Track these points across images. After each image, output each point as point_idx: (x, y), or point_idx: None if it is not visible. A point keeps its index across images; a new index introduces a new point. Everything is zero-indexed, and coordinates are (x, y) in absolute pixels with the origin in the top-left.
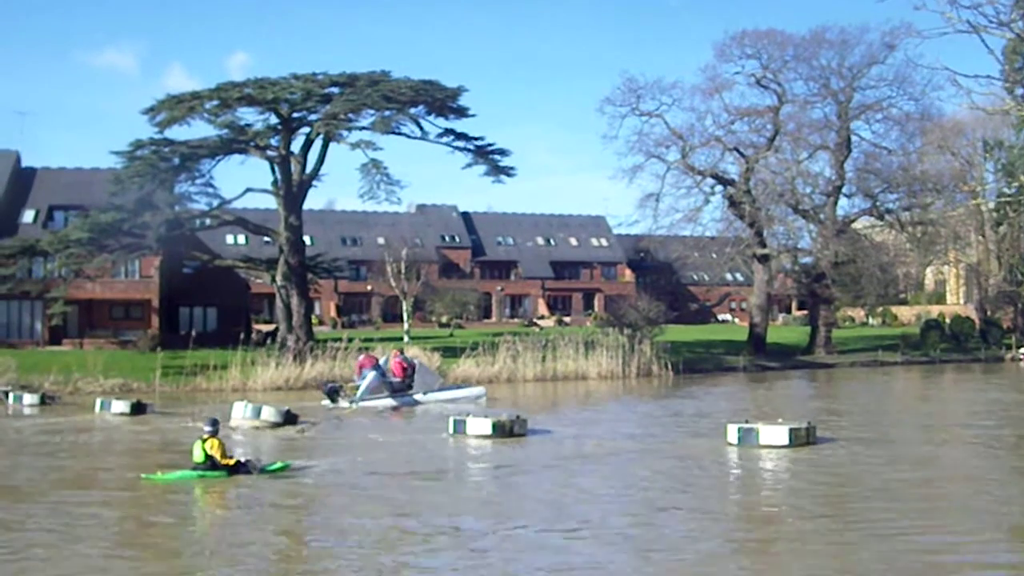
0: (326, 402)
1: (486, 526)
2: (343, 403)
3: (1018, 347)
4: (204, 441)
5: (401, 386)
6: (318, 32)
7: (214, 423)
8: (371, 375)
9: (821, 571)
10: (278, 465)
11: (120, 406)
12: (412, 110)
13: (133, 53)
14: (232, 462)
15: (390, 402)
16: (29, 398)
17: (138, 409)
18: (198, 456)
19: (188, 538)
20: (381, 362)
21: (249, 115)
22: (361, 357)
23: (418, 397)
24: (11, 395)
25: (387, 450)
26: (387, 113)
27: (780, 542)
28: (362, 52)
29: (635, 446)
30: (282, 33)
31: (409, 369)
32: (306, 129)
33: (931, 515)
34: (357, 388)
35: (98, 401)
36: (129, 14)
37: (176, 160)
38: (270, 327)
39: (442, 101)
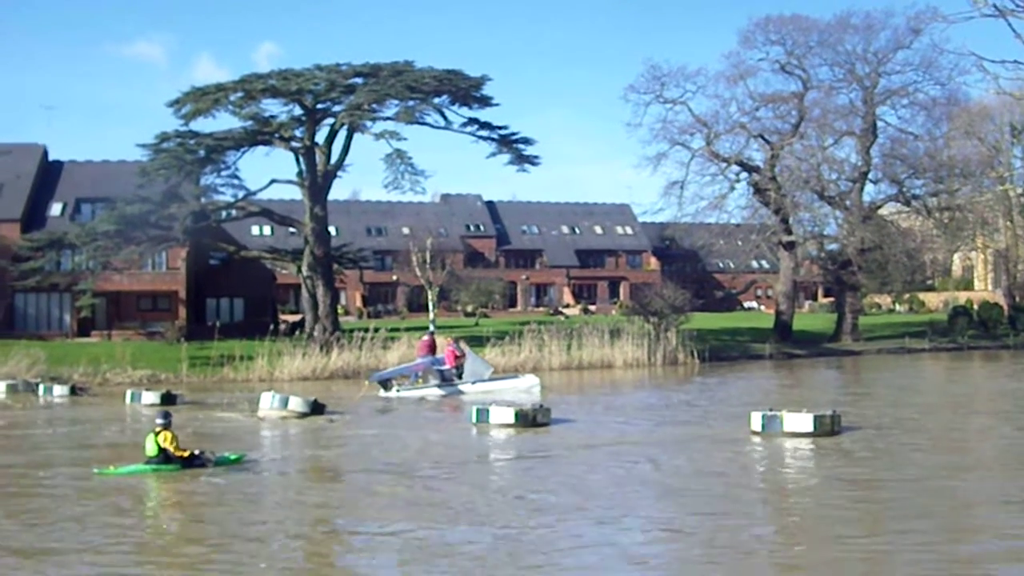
0: (381, 392)
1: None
2: (394, 391)
3: None
4: (156, 434)
5: (451, 375)
6: (345, 20)
7: (166, 416)
8: (419, 362)
9: (844, 569)
10: (233, 456)
11: (150, 397)
12: (436, 100)
13: (162, 44)
14: (186, 454)
15: (436, 391)
16: (59, 389)
17: (168, 400)
18: (151, 450)
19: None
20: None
21: (273, 106)
22: (425, 337)
23: (464, 387)
24: (42, 387)
25: (379, 441)
26: (411, 103)
27: (801, 535)
28: (387, 40)
29: (658, 434)
30: (310, 22)
31: (461, 358)
32: (330, 120)
33: (957, 511)
34: (408, 377)
35: (128, 392)
36: (158, 5)
37: (201, 152)
38: (296, 317)
39: (466, 90)
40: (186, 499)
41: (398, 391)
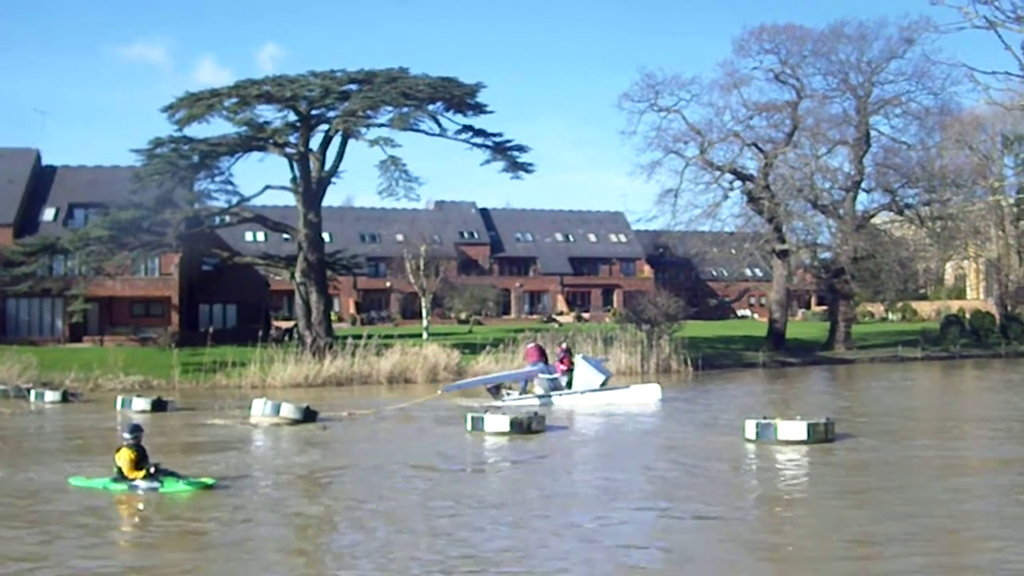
0: (491, 401)
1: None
2: (502, 400)
3: None
4: (117, 450)
5: (560, 384)
6: (347, 23)
7: (133, 430)
8: (529, 370)
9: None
10: (198, 481)
11: (141, 403)
12: (430, 107)
13: (163, 46)
14: (140, 475)
15: (535, 402)
16: (51, 395)
17: (159, 406)
18: (116, 465)
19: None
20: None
21: (268, 112)
22: (529, 345)
23: (573, 398)
24: (33, 392)
25: (372, 449)
26: (405, 110)
27: (793, 539)
28: (385, 44)
29: (653, 441)
30: (312, 24)
31: (571, 366)
32: (325, 126)
33: (948, 519)
34: (519, 384)
35: (119, 398)
36: (157, 6)
37: (195, 158)
38: (289, 324)
39: (460, 98)
40: (167, 510)
41: (505, 399)
